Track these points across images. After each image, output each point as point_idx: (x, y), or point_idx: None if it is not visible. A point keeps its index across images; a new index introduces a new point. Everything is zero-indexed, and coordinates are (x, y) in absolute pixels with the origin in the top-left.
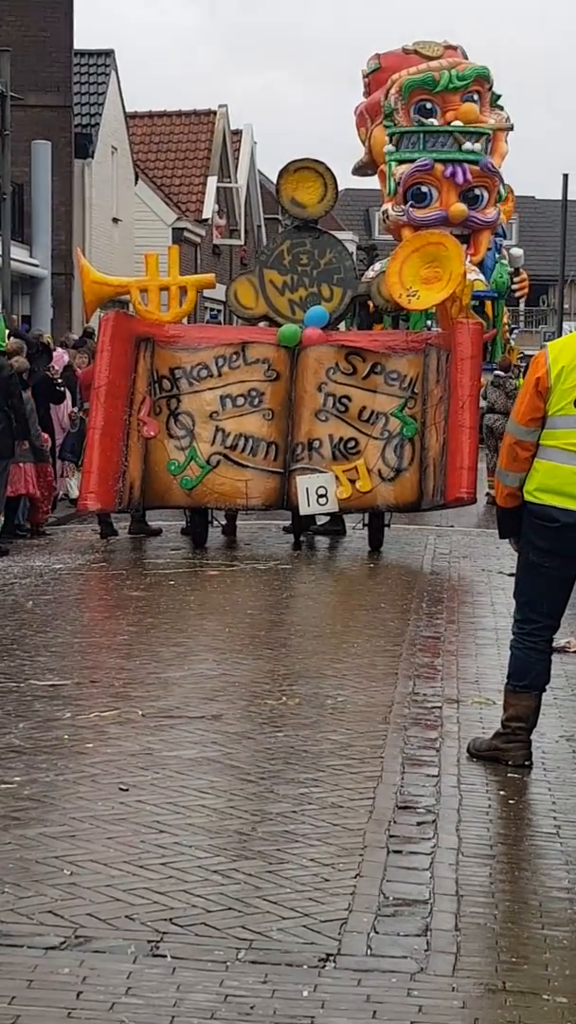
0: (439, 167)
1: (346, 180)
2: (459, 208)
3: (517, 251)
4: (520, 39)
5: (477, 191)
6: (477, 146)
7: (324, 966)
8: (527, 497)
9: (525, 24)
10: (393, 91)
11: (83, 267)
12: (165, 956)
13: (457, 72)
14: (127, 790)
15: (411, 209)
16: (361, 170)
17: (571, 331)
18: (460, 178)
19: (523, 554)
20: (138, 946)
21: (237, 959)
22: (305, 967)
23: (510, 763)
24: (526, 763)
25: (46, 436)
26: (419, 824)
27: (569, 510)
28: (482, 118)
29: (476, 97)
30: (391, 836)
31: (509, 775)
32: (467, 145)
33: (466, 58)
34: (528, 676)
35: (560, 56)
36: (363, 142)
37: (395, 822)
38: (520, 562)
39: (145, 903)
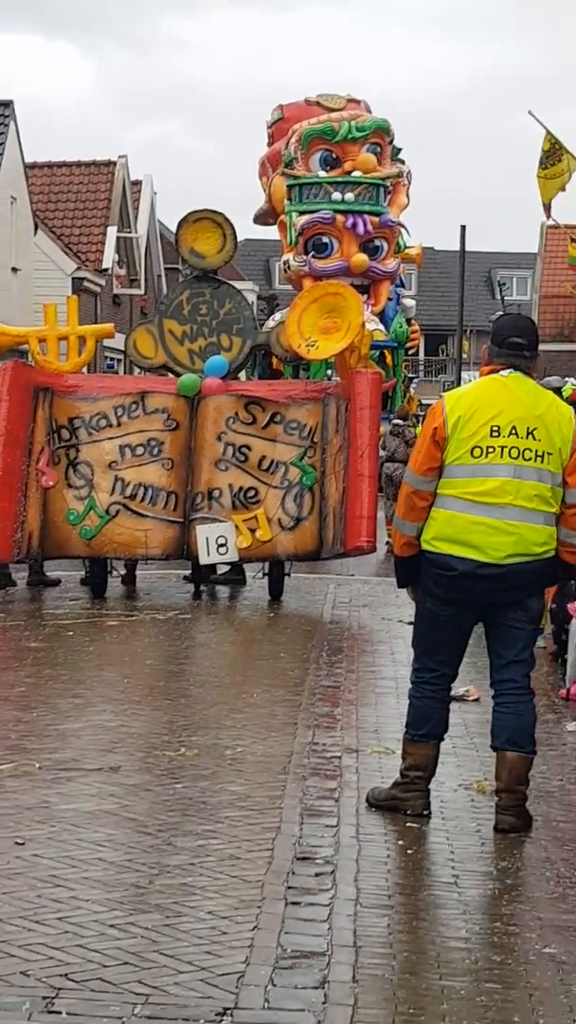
0: (340, 218)
1: (246, 230)
2: (360, 259)
3: (410, 302)
4: (418, 92)
5: (377, 242)
6: (349, 195)
7: (221, 1020)
8: (425, 546)
9: (423, 78)
10: (293, 141)
11: None
12: (60, 1012)
13: (356, 123)
14: (23, 844)
15: (312, 259)
16: (262, 219)
17: (469, 380)
18: (361, 229)
19: (421, 603)
20: (33, 1002)
21: (133, 1015)
22: (202, 1022)
23: (409, 812)
24: (425, 812)
25: None
26: (317, 875)
27: (467, 559)
28: (380, 168)
29: (378, 149)
30: (289, 887)
31: (408, 824)
32: (347, 195)
33: (369, 112)
34: (427, 725)
35: (456, 108)
36: (264, 191)
37: (293, 873)
38: (418, 611)
39: (40, 958)
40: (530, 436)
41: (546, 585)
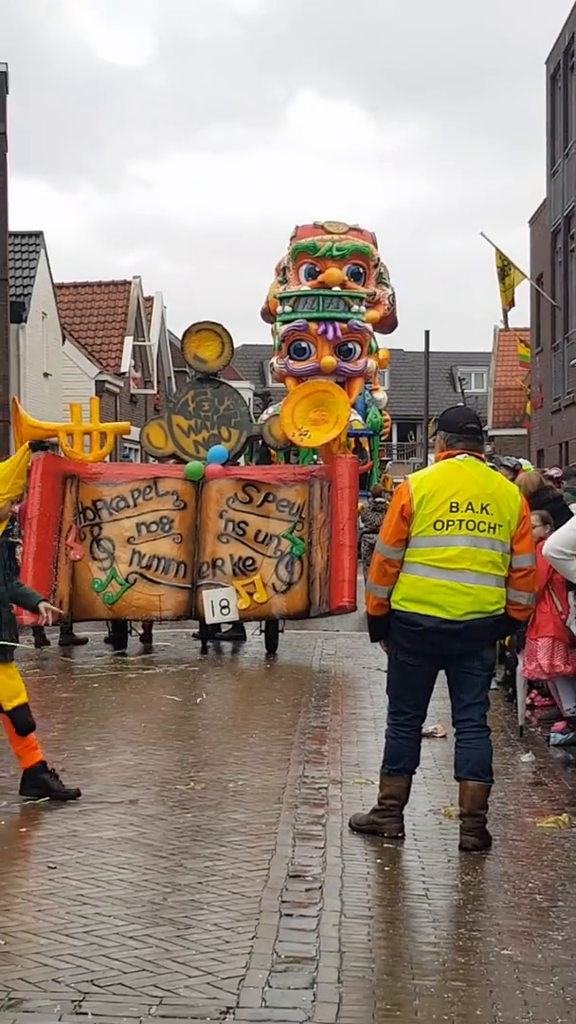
0: (312, 326)
1: (242, 337)
2: (328, 360)
3: (381, 395)
4: (383, 203)
5: (350, 345)
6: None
7: (224, 1018)
8: (394, 606)
9: (387, 191)
10: (286, 254)
11: (21, 415)
12: (87, 1014)
13: (337, 244)
14: (55, 868)
15: (290, 362)
16: (264, 315)
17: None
18: (331, 335)
19: (392, 655)
20: (63, 1005)
21: (149, 1014)
22: (208, 1019)
23: (386, 835)
24: (399, 835)
25: None
26: (307, 890)
27: (431, 616)
28: (355, 286)
29: (360, 270)
30: (283, 902)
31: (385, 845)
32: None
33: (375, 243)
34: (401, 761)
35: (418, 223)
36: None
37: (287, 889)
38: (390, 662)
39: (69, 967)
40: (484, 511)
41: (497, 638)
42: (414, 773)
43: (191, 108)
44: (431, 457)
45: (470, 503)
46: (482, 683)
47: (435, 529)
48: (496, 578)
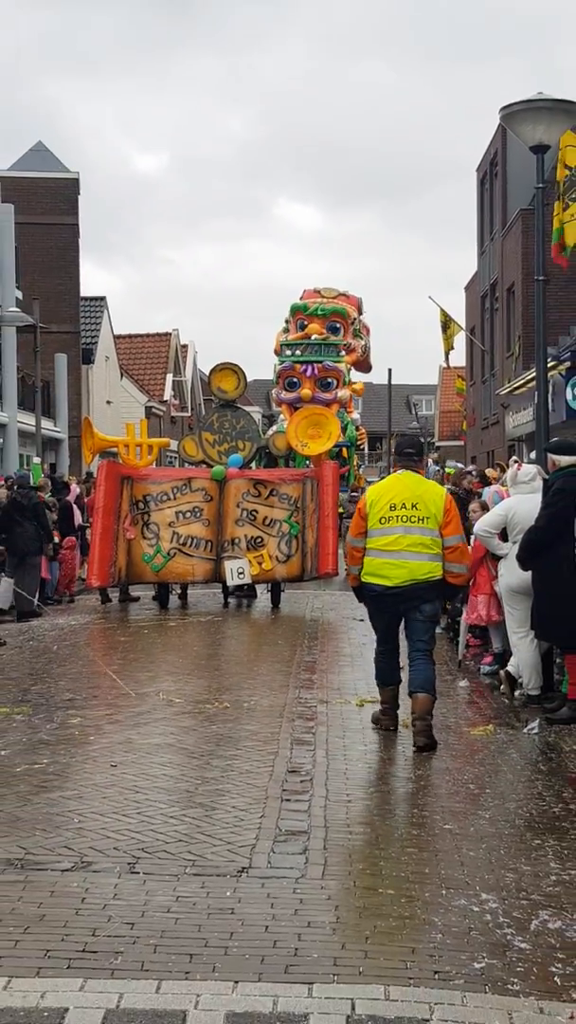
0: (297, 366)
1: (253, 373)
2: (305, 392)
3: (356, 416)
4: (344, 274)
5: (329, 379)
6: (298, 351)
7: (240, 876)
8: (363, 579)
9: (346, 266)
10: (288, 311)
11: (93, 430)
12: (139, 873)
13: (321, 305)
14: (116, 766)
15: (283, 392)
16: (276, 354)
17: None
18: (309, 372)
19: (368, 612)
20: (121, 867)
21: (185, 873)
22: (228, 876)
23: (384, 727)
24: (392, 727)
25: (72, 539)
26: (301, 781)
27: (380, 584)
28: (332, 337)
29: (337, 326)
30: (283, 790)
31: (359, 748)
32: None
33: (360, 307)
34: (384, 675)
35: (372, 289)
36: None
37: (286, 781)
38: (368, 615)
39: (126, 839)
40: (414, 508)
41: (436, 597)
42: (398, 685)
43: (199, 207)
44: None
45: (404, 503)
46: (426, 628)
47: (380, 523)
48: (428, 555)
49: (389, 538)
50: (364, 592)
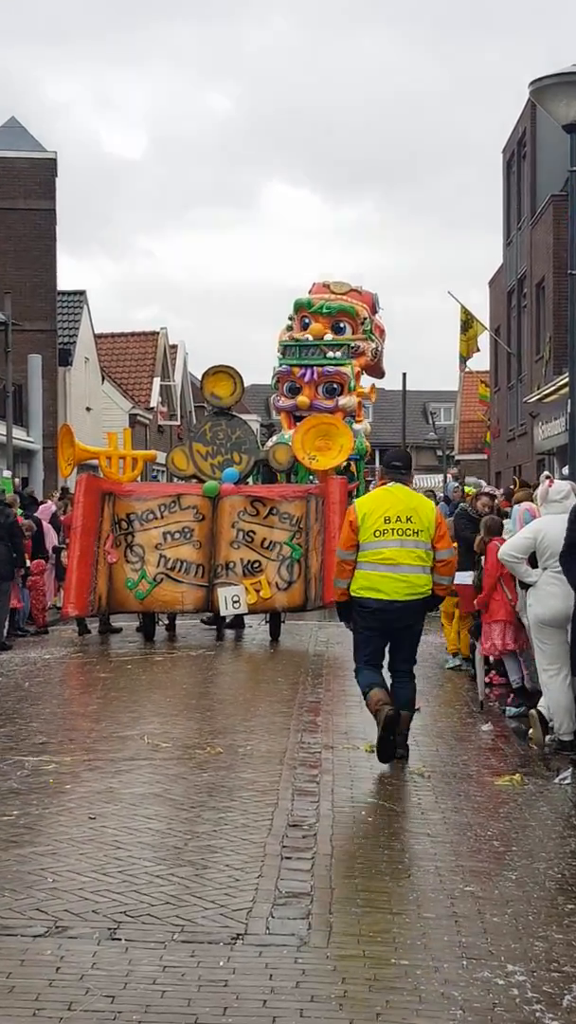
0: (296, 370)
1: (251, 377)
2: (303, 400)
3: (365, 425)
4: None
5: (334, 385)
6: (336, 354)
7: (235, 943)
8: (353, 593)
9: (344, 260)
10: (292, 308)
11: (73, 441)
12: (120, 940)
13: (327, 303)
14: (95, 819)
15: (280, 398)
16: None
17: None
18: (308, 377)
19: (355, 629)
20: (101, 932)
21: (172, 939)
22: (221, 944)
23: (387, 713)
24: (392, 713)
25: (42, 562)
26: (304, 837)
27: (377, 599)
28: (337, 337)
29: (343, 325)
30: (284, 847)
31: (368, 800)
32: (329, 354)
33: (375, 305)
34: (370, 680)
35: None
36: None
37: (287, 836)
38: (354, 633)
39: (107, 901)
40: (408, 521)
41: (426, 612)
42: (384, 687)
43: (182, 193)
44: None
45: (398, 516)
46: (411, 647)
47: (375, 536)
48: (422, 568)
49: (386, 552)
50: (356, 608)
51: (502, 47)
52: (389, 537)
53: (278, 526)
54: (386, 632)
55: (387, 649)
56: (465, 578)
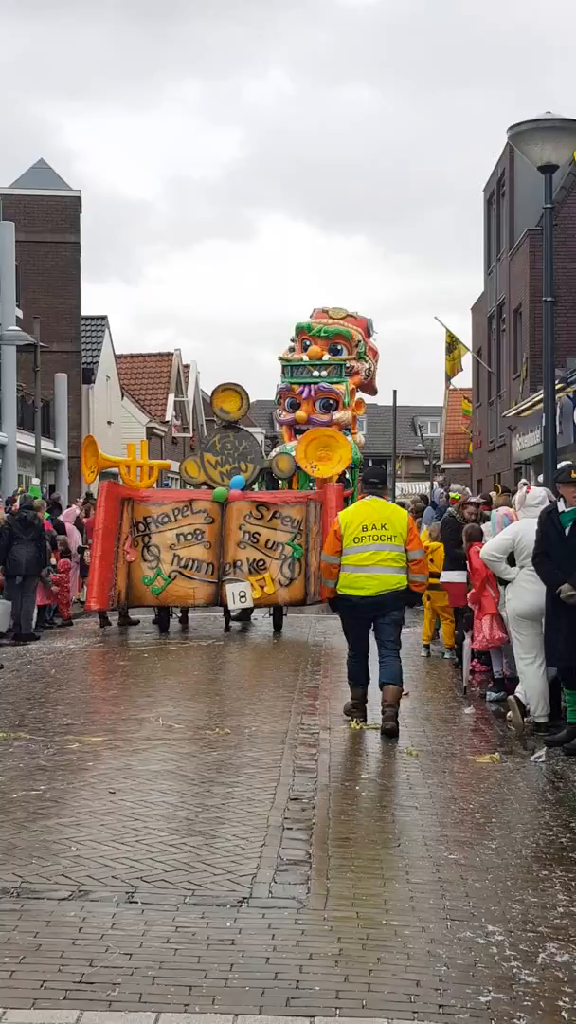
0: (295, 387)
1: (256, 393)
2: (300, 414)
3: (360, 438)
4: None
5: (330, 400)
6: (324, 372)
7: (241, 906)
8: (338, 590)
9: (340, 289)
10: (293, 331)
11: (97, 450)
12: (137, 903)
13: (325, 327)
14: (114, 793)
15: (282, 413)
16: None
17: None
18: (305, 394)
19: (341, 618)
20: (120, 896)
21: (184, 902)
22: (228, 906)
23: (356, 720)
24: (362, 719)
25: (67, 561)
26: (303, 810)
27: (357, 595)
28: (323, 353)
29: (339, 347)
30: (285, 819)
31: (362, 777)
32: (315, 372)
33: (369, 329)
34: (356, 675)
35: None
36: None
37: (288, 809)
38: (342, 621)
39: (125, 867)
40: (382, 527)
41: (403, 604)
42: (367, 684)
43: (190, 228)
44: (400, 485)
45: (374, 524)
46: (393, 629)
47: (354, 542)
48: (395, 568)
49: (363, 555)
50: (340, 603)
51: (476, 97)
52: (367, 543)
53: (281, 528)
54: (366, 620)
55: (372, 634)
56: (452, 577)
